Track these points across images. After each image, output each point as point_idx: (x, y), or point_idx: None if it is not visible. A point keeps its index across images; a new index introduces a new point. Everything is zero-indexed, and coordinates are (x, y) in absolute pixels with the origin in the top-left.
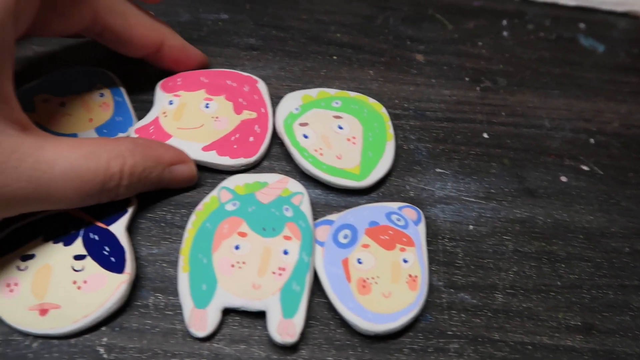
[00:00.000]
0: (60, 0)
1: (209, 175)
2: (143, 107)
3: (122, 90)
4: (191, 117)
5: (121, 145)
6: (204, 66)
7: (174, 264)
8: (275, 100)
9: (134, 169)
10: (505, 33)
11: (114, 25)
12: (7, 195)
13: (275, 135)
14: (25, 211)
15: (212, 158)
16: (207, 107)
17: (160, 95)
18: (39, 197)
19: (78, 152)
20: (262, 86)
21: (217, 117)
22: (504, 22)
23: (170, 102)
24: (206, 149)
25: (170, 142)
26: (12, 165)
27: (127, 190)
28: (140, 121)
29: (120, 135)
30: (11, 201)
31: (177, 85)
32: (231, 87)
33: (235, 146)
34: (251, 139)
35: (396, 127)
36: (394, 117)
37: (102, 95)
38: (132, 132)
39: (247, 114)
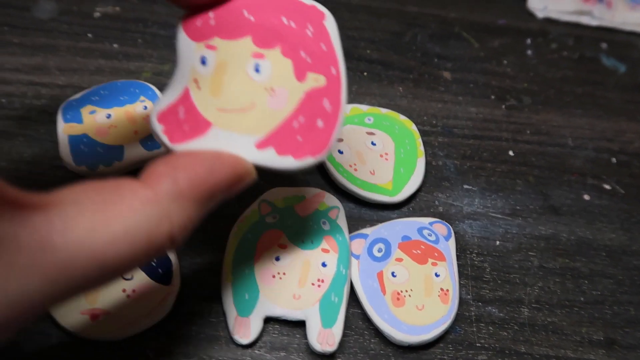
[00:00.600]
0: None
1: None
2: None
3: None
4: (236, 89)
5: (163, 199)
6: None
7: (217, 273)
8: None
9: (187, 225)
10: (529, 52)
11: None
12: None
13: None
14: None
15: (271, 160)
16: (257, 70)
17: (187, 46)
18: (77, 291)
19: (106, 236)
20: (330, 24)
21: (272, 89)
22: (528, 41)
23: (203, 61)
24: (261, 145)
25: (209, 135)
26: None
27: (183, 243)
28: (165, 97)
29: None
30: (43, 304)
31: (210, 27)
32: (289, 29)
33: (299, 137)
34: (320, 122)
35: (425, 144)
36: (423, 133)
37: (145, 108)
38: (154, 119)
39: (313, 80)
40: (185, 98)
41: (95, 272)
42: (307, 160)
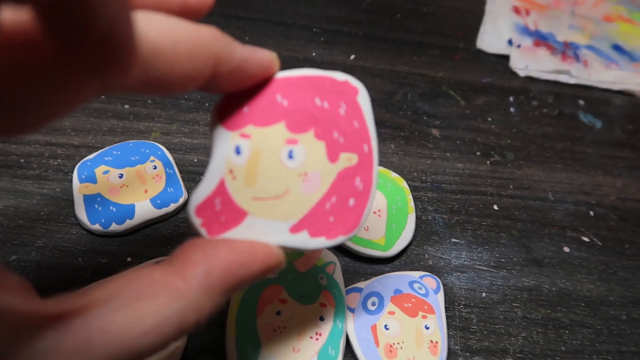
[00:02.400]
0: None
1: None
2: (189, 177)
3: (172, 162)
4: (271, 177)
5: (194, 293)
6: (275, 71)
7: (221, 326)
8: None
9: (213, 311)
10: (512, 109)
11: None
12: None
13: None
14: None
15: (304, 243)
16: (290, 156)
17: (221, 136)
18: None
19: (140, 330)
20: (363, 99)
21: (305, 174)
22: (511, 99)
23: (238, 150)
24: (295, 229)
25: (245, 224)
26: None
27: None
28: (201, 188)
29: (173, 205)
30: None
31: (244, 115)
32: (322, 110)
33: (331, 218)
34: (352, 201)
35: (415, 199)
36: (413, 189)
37: (155, 167)
38: (192, 212)
39: (346, 160)
40: (221, 189)
41: (129, 359)
42: (339, 239)
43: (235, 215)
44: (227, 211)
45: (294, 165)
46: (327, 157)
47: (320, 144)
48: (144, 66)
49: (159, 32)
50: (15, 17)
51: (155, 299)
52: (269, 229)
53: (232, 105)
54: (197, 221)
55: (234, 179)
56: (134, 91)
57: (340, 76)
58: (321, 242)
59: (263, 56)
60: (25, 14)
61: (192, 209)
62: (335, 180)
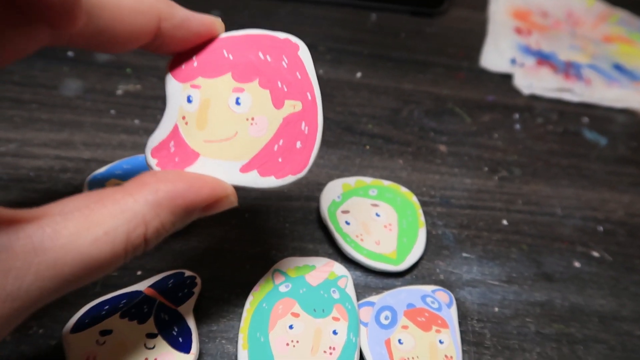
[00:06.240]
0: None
1: (259, 256)
2: None
3: None
4: (220, 121)
5: (141, 206)
6: (219, 32)
7: (233, 340)
8: (316, 186)
9: (160, 231)
10: (517, 126)
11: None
12: (35, 296)
13: (313, 217)
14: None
15: (254, 181)
16: (237, 103)
17: (174, 88)
18: (56, 295)
19: (88, 236)
20: (304, 53)
21: (252, 119)
22: (516, 116)
23: (189, 99)
24: (245, 168)
25: (197, 164)
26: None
27: (155, 245)
28: (156, 133)
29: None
30: (40, 297)
31: (193, 69)
32: (265, 63)
33: (280, 159)
34: (298, 144)
35: (425, 213)
36: (422, 203)
37: None
38: (148, 153)
39: (291, 106)
40: (175, 133)
41: (82, 269)
42: (288, 179)
43: (188, 156)
44: (180, 152)
45: (241, 110)
46: (273, 104)
47: (265, 92)
48: (90, 17)
49: None
50: None
51: (103, 209)
52: (220, 168)
53: (183, 60)
54: (152, 161)
55: (186, 124)
56: (81, 45)
57: (281, 34)
58: (271, 180)
59: (205, 17)
60: None
61: (148, 150)
62: (282, 124)
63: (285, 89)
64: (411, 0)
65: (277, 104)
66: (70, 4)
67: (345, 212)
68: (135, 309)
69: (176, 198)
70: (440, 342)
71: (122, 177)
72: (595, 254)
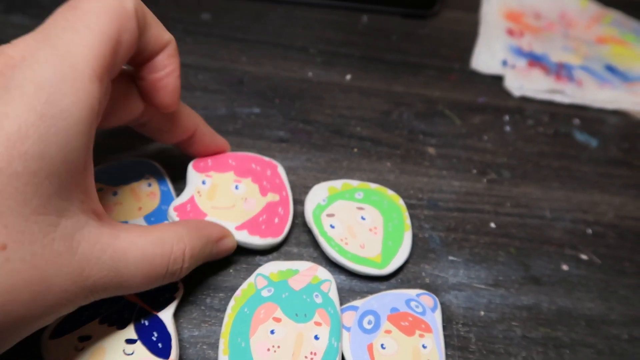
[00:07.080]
0: (119, 94)
1: (244, 260)
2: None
3: (167, 180)
4: (223, 197)
5: (180, 229)
6: (227, 150)
7: (214, 346)
8: (303, 189)
9: (192, 251)
10: (507, 128)
11: (160, 115)
12: (90, 286)
13: (299, 221)
14: (99, 298)
15: (244, 237)
16: (236, 188)
17: (193, 175)
18: (114, 285)
19: (147, 239)
20: (281, 170)
21: (246, 199)
22: (506, 118)
23: (204, 182)
24: (239, 228)
25: (206, 220)
26: (95, 256)
27: (187, 271)
28: (178, 199)
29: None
30: (93, 291)
31: (208, 166)
32: (255, 170)
33: (263, 226)
34: (276, 220)
35: (412, 216)
36: (409, 206)
37: (149, 185)
38: (171, 209)
39: (272, 197)
40: (191, 200)
41: (142, 265)
42: (269, 240)
43: (199, 214)
44: (194, 211)
45: (239, 192)
46: (260, 193)
47: (255, 185)
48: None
49: None
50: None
51: (154, 229)
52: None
53: (202, 160)
54: (174, 214)
55: (200, 196)
56: (144, 131)
57: (266, 158)
58: (256, 239)
59: (221, 141)
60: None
61: (171, 208)
62: (265, 206)
63: (269, 187)
64: (403, 2)
65: (263, 193)
66: (172, 102)
67: (331, 215)
68: (116, 314)
69: (201, 229)
70: (424, 346)
71: (107, 182)
72: (584, 256)
